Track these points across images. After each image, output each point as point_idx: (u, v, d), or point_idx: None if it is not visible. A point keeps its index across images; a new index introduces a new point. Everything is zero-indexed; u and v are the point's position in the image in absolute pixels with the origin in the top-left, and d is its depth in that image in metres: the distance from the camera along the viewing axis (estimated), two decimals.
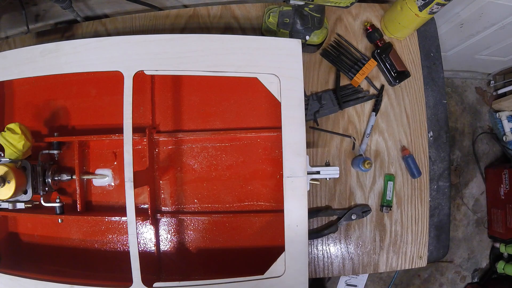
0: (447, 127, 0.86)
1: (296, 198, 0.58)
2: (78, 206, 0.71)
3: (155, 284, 0.59)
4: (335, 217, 0.81)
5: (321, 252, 0.81)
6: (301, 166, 0.59)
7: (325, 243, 0.82)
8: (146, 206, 0.71)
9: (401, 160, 0.84)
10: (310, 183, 0.69)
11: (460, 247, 1.67)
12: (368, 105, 0.84)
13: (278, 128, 0.59)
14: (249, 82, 0.72)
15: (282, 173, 0.59)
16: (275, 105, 0.60)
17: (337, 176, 0.63)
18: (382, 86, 0.84)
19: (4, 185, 0.59)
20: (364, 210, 0.81)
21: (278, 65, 0.60)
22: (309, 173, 0.60)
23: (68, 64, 0.62)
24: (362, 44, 0.86)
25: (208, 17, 0.86)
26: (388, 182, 0.82)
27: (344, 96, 0.83)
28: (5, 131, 0.63)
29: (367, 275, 1.46)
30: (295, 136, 0.59)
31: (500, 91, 1.65)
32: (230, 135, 0.72)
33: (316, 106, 0.82)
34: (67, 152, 0.74)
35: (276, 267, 0.59)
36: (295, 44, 0.61)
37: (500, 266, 1.57)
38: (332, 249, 0.82)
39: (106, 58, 0.61)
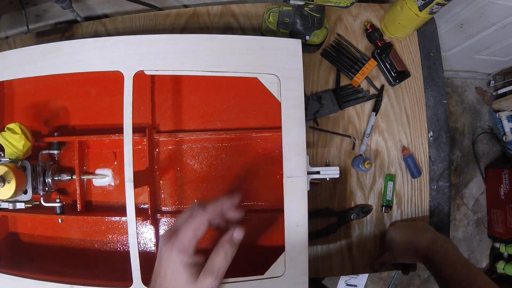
0: (447, 127, 0.86)
1: (296, 198, 0.58)
2: (78, 206, 0.71)
3: None
4: (335, 217, 0.81)
5: (321, 252, 0.81)
6: (301, 166, 0.59)
7: (325, 243, 0.82)
8: (146, 206, 0.71)
9: (401, 160, 0.84)
10: (310, 182, 0.69)
11: (460, 247, 1.67)
12: (368, 105, 0.84)
13: (278, 128, 0.59)
14: (249, 82, 0.71)
15: (282, 173, 0.59)
16: (275, 105, 0.60)
17: (337, 176, 0.63)
18: (382, 86, 0.84)
19: (4, 185, 0.59)
20: (364, 210, 0.81)
21: (278, 65, 0.60)
22: (309, 173, 0.60)
23: (68, 64, 0.62)
24: (362, 44, 0.86)
25: (208, 17, 0.86)
26: (388, 182, 0.82)
27: (344, 96, 0.83)
28: (5, 131, 0.63)
29: (367, 275, 1.46)
30: (295, 136, 0.59)
31: (500, 91, 1.65)
32: (230, 135, 0.72)
33: (316, 106, 0.82)
34: (67, 152, 0.74)
35: (276, 267, 0.58)
36: (295, 44, 0.61)
37: (500, 266, 1.57)
38: (332, 249, 0.82)
39: (106, 58, 0.61)
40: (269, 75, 0.60)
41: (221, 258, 0.46)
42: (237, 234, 0.48)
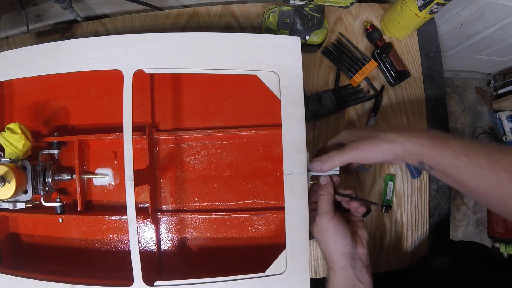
0: (447, 127, 0.86)
1: (297, 195, 0.58)
2: (79, 205, 0.71)
3: (156, 283, 0.59)
4: None
5: (320, 252, 0.81)
6: (301, 163, 0.58)
7: None
8: (146, 205, 0.71)
9: None
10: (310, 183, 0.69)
11: None
12: (368, 105, 0.84)
13: (278, 125, 0.59)
14: (249, 80, 0.71)
15: (283, 170, 0.59)
16: (274, 103, 0.60)
17: (338, 173, 0.63)
18: (382, 86, 0.84)
19: (4, 185, 0.59)
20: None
21: (277, 63, 0.60)
22: (309, 170, 0.60)
23: (68, 63, 0.62)
24: (362, 44, 0.86)
25: (208, 17, 0.86)
26: (388, 182, 0.82)
27: (344, 96, 0.83)
28: (5, 131, 0.63)
29: None
30: (295, 133, 0.59)
31: (500, 91, 1.65)
32: (230, 133, 0.72)
33: (316, 106, 0.81)
34: (67, 151, 0.74)
35: (278, 265, 0.58)
36: (294, 42, 0.61)
37: None
38: None
39: (106, 57, 0.61)
40: (268, 73, 0.60)
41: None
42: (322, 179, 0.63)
